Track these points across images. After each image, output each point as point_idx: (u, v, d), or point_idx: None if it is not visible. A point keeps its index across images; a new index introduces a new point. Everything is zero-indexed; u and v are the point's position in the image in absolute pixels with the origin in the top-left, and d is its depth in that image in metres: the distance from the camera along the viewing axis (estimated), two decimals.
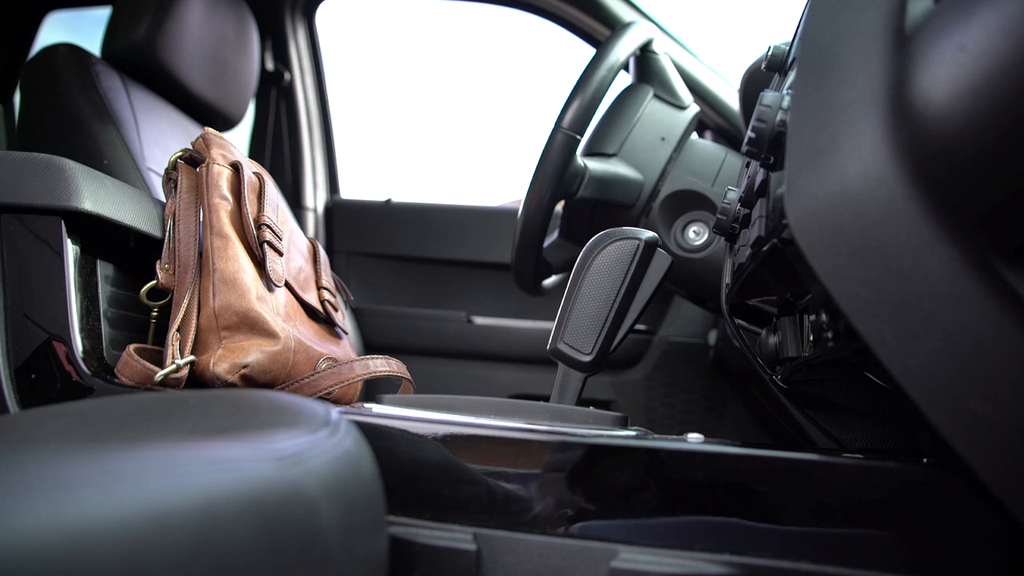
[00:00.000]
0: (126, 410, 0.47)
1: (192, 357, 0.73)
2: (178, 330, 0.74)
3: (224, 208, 0.80)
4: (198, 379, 0.74)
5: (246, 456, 0.36)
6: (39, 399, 0.69)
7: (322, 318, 0.92)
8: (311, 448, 0.40)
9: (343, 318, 0.97)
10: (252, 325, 0.76)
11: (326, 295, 0.93)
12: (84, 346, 0.70)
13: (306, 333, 0.85)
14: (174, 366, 0.71)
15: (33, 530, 0.26)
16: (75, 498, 0.28)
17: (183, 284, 0.76)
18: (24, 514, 0.26)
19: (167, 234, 0.79)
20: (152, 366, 0.71)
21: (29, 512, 0.26)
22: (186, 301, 0.75)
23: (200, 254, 0.78)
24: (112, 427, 0.44)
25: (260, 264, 0.81)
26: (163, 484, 0.31)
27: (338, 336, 0.94)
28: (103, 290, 0.75)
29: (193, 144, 0.84)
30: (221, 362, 0.73)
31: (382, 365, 0.85)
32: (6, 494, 0.27)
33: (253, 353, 0.74)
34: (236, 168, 0.83)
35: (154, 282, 0.76)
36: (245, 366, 0.73)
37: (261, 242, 0.81)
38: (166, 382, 0.71)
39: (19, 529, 0.25)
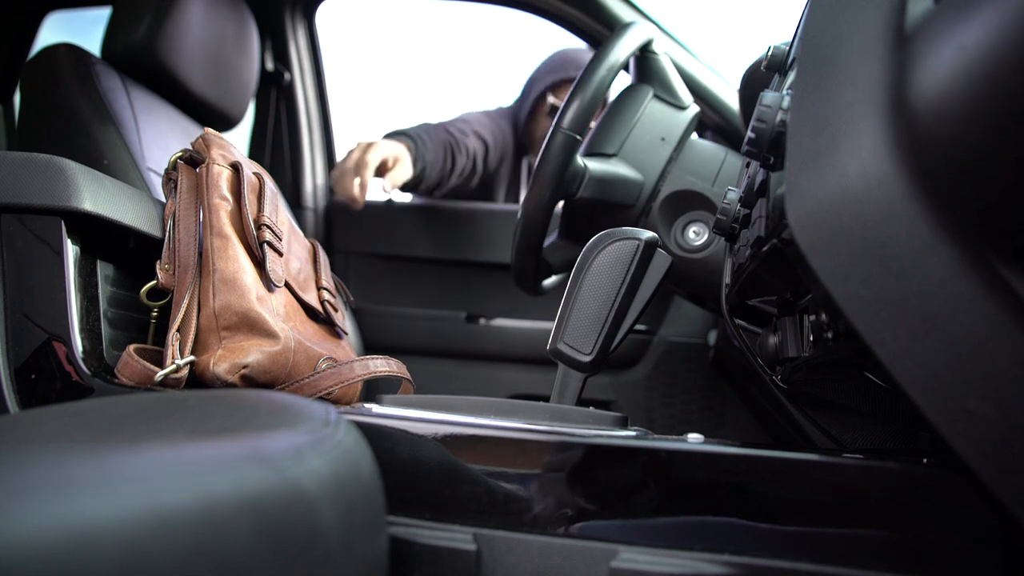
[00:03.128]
0: (126, 410, 0.47)
1: (192, 357, 0.73)
2: (178, 330, 0.74)
3: (224, 208, 0.80)
4: (198, 379, 0.74)
5: (246, 456, 0.36)
6: (39, 399, 0.69)
7: (322, 318, 0.92)
8: (311, 448, 0.40)
9: (343, 318, 0.97)
10: (252, 325, 0.76)
11: (326, 295, 0.93)
12: (84, 346, 0.70)
13: (306, 333, 0.85)
14: (174, 366, 0.71)
15: (33, 530, 0.26)
16: (75, 498, 0.28)
17: (183, 284, 0.76)
18: (24, 514, 0.26)
19: (167, 234, 0.79)
20: (152, 366, 0.71)
21: (29, 512, 0.26)
22: (186, 301, 0.75)
23: (200, 254, 0.78)
24: (112, 427, 0.44)
25: (260, 264, 0.81)
26: (163, 484, 0.31)
27: (338, 336, 0.94)
28: (103, 290, 0.75)
29: (193, 144, 0.84)
30: (221, 362, 0.73)
31: (382, 365, 0.85)
32: (6, 494, 0.27)
33: (253, 353, 0.74)
34: (236, 168, 0.83)
35: (154, 282, 0.76)
36: (245, 366, 0.73)
37: (261, 242, 0.81)
38: (166, 382, 0.71)
39: (19, 529, 0.25)
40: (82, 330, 0.71)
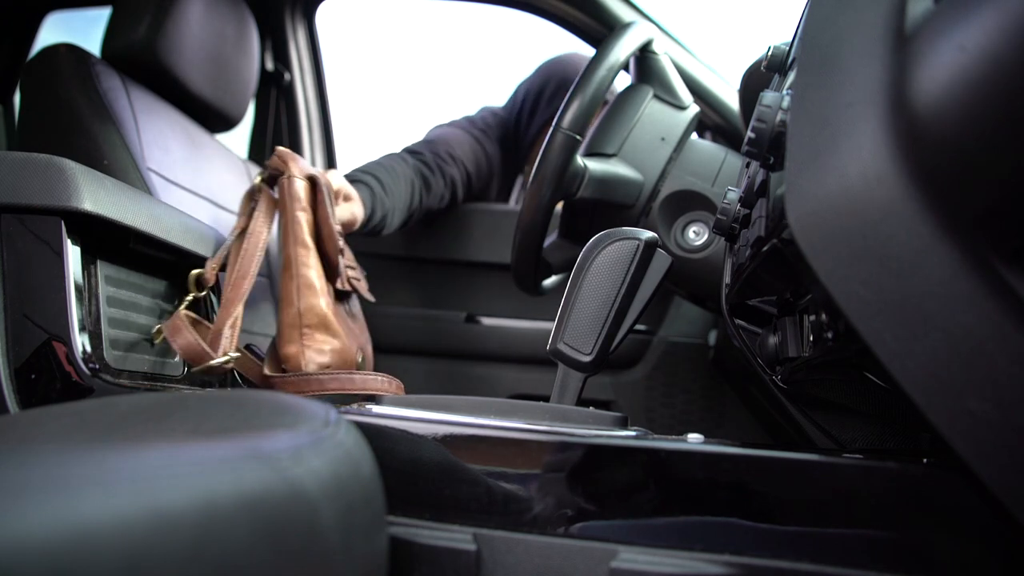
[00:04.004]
0: (126, 410, 0.47)
1: (236, 354, 0.83)
2: (230, 326, 0.84)
3: (305, 220, 0.93)
4: (283, 367, 0.90)
5: (246, 456, 0.36)
6: (39, 399, 0.69)
7: (347, 294, 1.04)
8: (311, 448, 0.40)
9: (366, 287, 1.09)
10: (327, 326, 0.92)
11: (350, 273, 1.02)
12: (84, 346, 0.70)
13: (344, 327, 0.97)
14: (226, 357, 0.81)
15: (33, 530, 0.26)
16: (75, 498, 0.28)
17: (238, 289, 0.86)
18: (24, 514, 0.26)
19: (231, 242, 0.90)
20: (207, 347, 0.78)
21: (29, 512, 0.26)
22: (240, 306, 0.85)
23: (268, 265, 0.95)
24: (112, 427, 0.44)
25: (332, 268, 0.96)
26: (163, 484, 0.31)
27: (355, 315, 1.05)
28: (103, 290, 0.75)
29: (267, 164, 0.96)
30: (311, 363, 0.90)
31: (381, 383, 0.91)
32: (6, 494, 0.27)
33: (327, 353, 0.91)
34: (312, 181, 0.95)
35: (201, 271, 0.87)
36: (327, 365, 0.91)
37: (340, 250, 0.96)
38: (212, 369, 0.78)
39: (19, 529, 0.25)
40: (82, 330, 0.71)
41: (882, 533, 0.44)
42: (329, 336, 0.91)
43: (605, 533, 0.48)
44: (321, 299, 0.91)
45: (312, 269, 0.91)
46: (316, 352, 0.90)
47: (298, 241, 0.91)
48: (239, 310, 0.84)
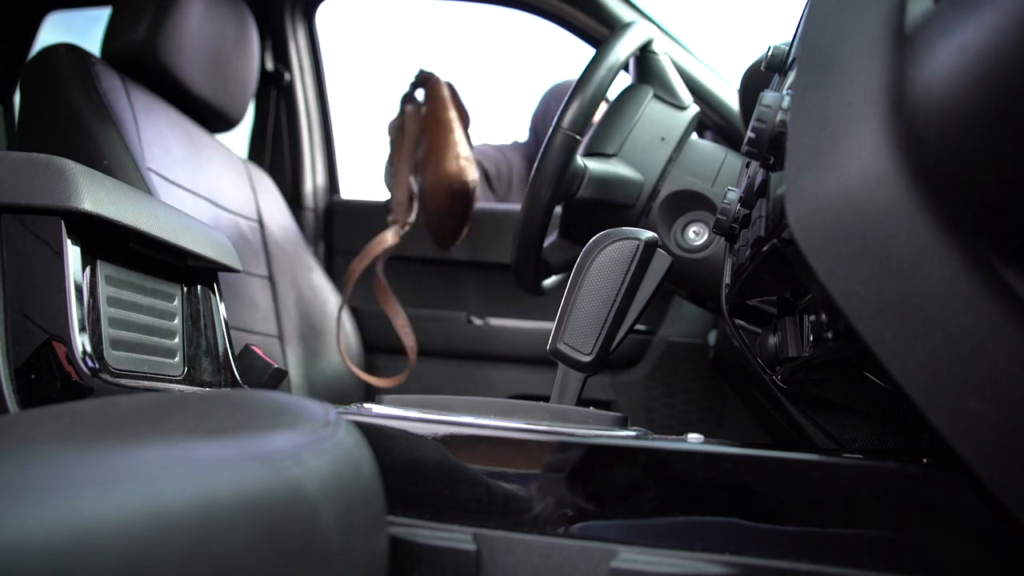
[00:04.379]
0: (126, 410, 0.47)
1: (413, 216, 1.49)
2: (408, 196, 1.47)
3: (450, 100, 1.46)
4: (441, 181, 1.43)
5: (246, 456, 0.36)
6: (39, 399, 0.69)
7: None
8: (311, 448, 0.40)
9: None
10: (471, 162, 1.43)
11: None
12: (84, 346, 0.70)
13: None
14: (413, 218, 1.48)
15: (33, 530, 0.26)
16: (75, 498, 0.28)
17: (410, 160, 1.48)
18: (24, 514, 0.26)
19: (393, 129, 1.51)
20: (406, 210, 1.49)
21: (29, 512, 0.26)
22: (410, 175, 1.48)
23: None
24: (112, 427, 0.44)
25: (467, 140, 1.48)
26: (163, 484, 0.31)
27: None
28: (103, 290, 0.75)
29: (416, 77, 1.49)
30: (469, 175, 1.43)
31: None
32: (6, 494, 0.27)
33: (476, 173, 1.45)
34: (450, 86, 1.49)
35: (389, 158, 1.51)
36: (477, 180, 1.45)
37: (466, 131, 1.49)
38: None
39: (19, 529, 0.25)
40: (82, 330, 0.71)
41: (882, 533, 0.44)
42: (474, 168, 1.44)
43: (605, 533, 0.48)
44: (466, 147, 1.44)
45: (457, 130, 1.43)
46: (471, 170, 1.42)
47: (447, 110, 1.44)
48: (410, 176, 1.46)
